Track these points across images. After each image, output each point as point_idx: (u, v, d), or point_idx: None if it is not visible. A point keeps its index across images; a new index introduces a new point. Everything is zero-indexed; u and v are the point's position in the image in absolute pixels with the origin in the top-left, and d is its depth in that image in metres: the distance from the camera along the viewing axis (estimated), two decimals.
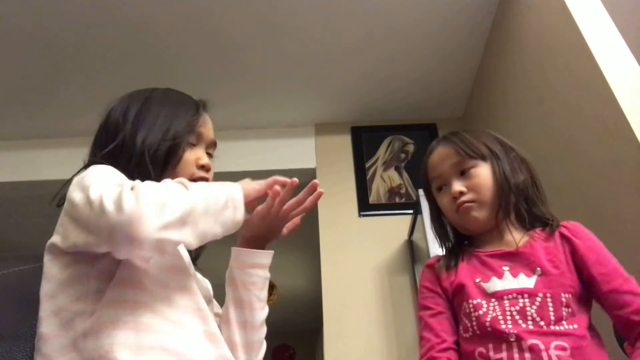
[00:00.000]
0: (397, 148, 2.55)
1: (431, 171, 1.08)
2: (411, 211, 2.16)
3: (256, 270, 0.90)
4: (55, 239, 0.74)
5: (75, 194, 0.71)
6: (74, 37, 2.08)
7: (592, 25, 1.47)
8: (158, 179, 0.78)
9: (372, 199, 2.38)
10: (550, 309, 0.90)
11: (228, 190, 0.79)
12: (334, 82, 2.40)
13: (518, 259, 0.96)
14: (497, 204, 1.00)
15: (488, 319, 0.91)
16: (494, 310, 0.92)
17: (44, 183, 2.53)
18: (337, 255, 2.24)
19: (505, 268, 0.96)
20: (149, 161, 0.84)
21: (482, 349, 0.91)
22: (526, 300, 0.91)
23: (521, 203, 1.01)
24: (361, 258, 2.22)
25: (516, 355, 0.87)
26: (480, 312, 0.93)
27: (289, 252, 3.95)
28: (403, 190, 2.41)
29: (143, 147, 0.85)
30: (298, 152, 2.56)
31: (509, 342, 0.88)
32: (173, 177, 0.84)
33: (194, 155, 0.92)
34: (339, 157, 2.52)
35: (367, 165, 2.49)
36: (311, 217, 2.39)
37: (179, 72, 2.21)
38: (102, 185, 0.68)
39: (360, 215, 2.34)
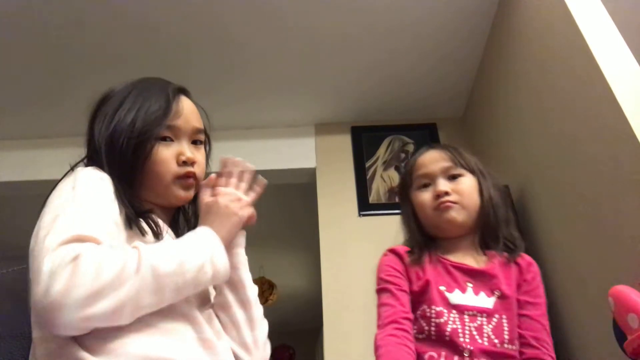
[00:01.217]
0: (397, 148, 2.55)
1: (419, 169, 1.12)
2: None
3: (239, 250, 0.88)
4: None
5: (39, 227, 0.68)
6: (74, 36, 2.08)
7: (592, 24, 1.47)
8: (133, 176, 0.79)
9: (372, 198, 2.38)
10: (505, 329, 0.95)
11: (203, 255, 0.71)
12: (333, 82, 2.40)
13: (480, 278, 1.01)
14: (476, 216, 1.05)
15: (448, 330, 0.95)
16: (454, 322, 0.96)
17: (43, 183, 2.54)
18: (337, 255, 2.24)
19: (469, 285, 1.01)
20: (117, 161, 0.81)
21: (433, 354, 0.94)
22: (484, 319, 0.96)
23: (497, 223, 1.07)
24: (361, 258, 2.22)
25: None
26: (441, 320, 0.96)
27: (289, 252, 3.95)
28: None
29: (110, 145, 0.83)
30: (298, 152, 2.56)
31: (463, 356, 0.92)
32: (151, 176, 0.83)
33: (172, 151, 0.86)
34: (339, 157, 2.52)
35: (367, 165, 2.49)
36: (311, 217, 2.39)
37: (179, 73, 2.19)
38: (52, 241, 0.62)
39: (360, 215, 2.34)
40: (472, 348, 0.91)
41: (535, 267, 1.09)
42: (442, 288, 0.99)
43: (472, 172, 1.09)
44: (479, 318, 0.96)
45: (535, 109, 1.79)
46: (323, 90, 2.45)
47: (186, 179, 0.86)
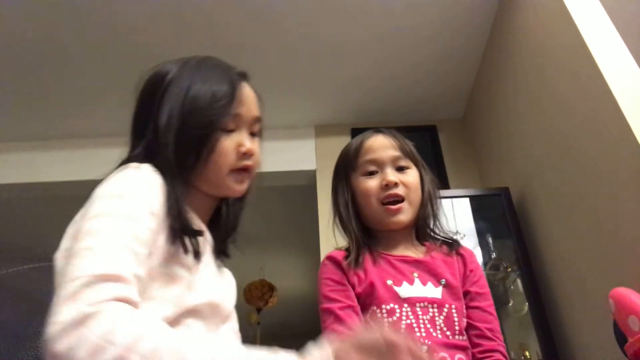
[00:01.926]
0: None
1: (366, 153, 1.06)
2: None
3: None
4: None
5: (78, 231, 0.61)
6: (71, 39, 2.08)
7: (591, 26, 1.47)
8: (194, 170, 0.72)
9: None
10: (455, 319, 0.92)
11: None
12: (333, 84, 2.40)
13: (424, 268, 0.97)
14: (418, 210, 1.02)
15: (403, 326, 0.90)
16: (407, 316, 0.91)
17: (40, 185, 2.54)
18: None
19: (415, 275, 0.97)
20: (183, 154, 0.73)
21: None
22: (435, 310, 0.92)
23: (435, 217, 1.05)
24: None
25: None
26: (394, 317, 0.91)
27: (290, 254, 3.95)
28: None
29: (179, 138, 0.73)
30: (298, 153, 2.56)
31: None
32: (209, 167, 0.76)
33: (233, 142, 0.78)
34: None
35: None
36: (311, 219, 2.38)
37: None
38: (78, 275, 0.55)
39: None
40: (429, 342, 0.88)
41: (476, 258, 1.05)
42: (389, 282, 0.95)
43: (416, 164, 1.05)
44: (431, 309, 0.92)
45: (534, 111, 1.79)
46: (323, 92, 2.46)
47: (242, 172, 0.79)
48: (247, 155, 0.79)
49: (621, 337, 0.97)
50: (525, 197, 1.90)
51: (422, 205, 1.02)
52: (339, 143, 2.56)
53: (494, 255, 1.89)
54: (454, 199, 1.99)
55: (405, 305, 0.92)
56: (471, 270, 1.00)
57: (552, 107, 1.65)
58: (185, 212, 0.71)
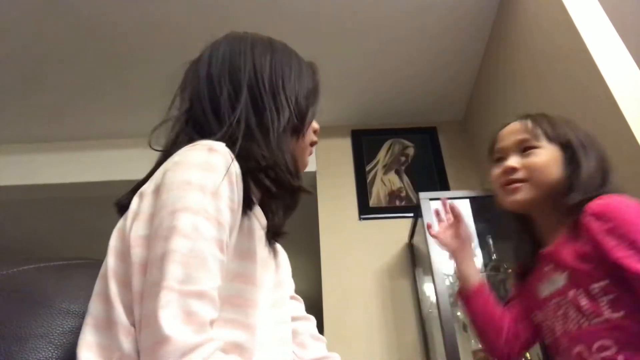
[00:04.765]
0: (398, 151, 2.55)
1: (496, 143, 1.04)
2: (411, 214, 2.16)
3: None
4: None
5: (162, 220, 0.56)
6: (69, 41, 2.09)
7: (591, 28, 1.47)
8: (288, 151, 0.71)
9: (373, 202, 2.38)
10: (583, 303, 0.83)
11: None
12: (334, 86, 2.40)
13: (554, 257, 0.91)
14: (553, 191, 0.92)
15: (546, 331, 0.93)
16: (547, 318, 0.92)
17: (39, 187, 2.55)
18: (338, 259, 2.24)
19: (547, 268, 0.93)
20: (292, 130, 0.73)
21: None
22: (562, 300, 0.87)
23: (579, 198, 0.89)
24: (361, 261, 2.22)
25: None
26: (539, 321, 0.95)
27: (289, 255, 3.93)
28: (403, 194, 2.41)
29: (286, 112, 0.72)
30: None
31: (560, 353, 0.88)
32: (299, 148, 0.79)
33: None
34: (339, 161, 2.52)
35: (368, 168, 2.49)
36: (311, 221, 2.39)
37: (178, 76, 2.21)
38: (175, 283, 0.52)
39: (360, 219, 2.34)
40: (565, 341, 0.86)
41: (604, 213, 0.86)
42: (537, 284, 0.96)
43: (559, 143, 0.95)
44: (555, 300, 0.89)
45: (535, 112, 1.79)
46: (323, 94, 2.42)
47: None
48: (316, 133, 0.88)
49: None
50: None
51: (559, 185, 0.92)
52: (339, 145, 2.59)
53: (494, 256, 1.89)
54: (454, 200, 1.98)
55: (543, 306, 0.95)
56: (599, 242, 0.84)
57: (551, 108, 1.65)
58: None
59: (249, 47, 0.79)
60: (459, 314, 1.86)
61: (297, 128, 0.76)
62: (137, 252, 0.57)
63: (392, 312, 2.10)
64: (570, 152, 0.95)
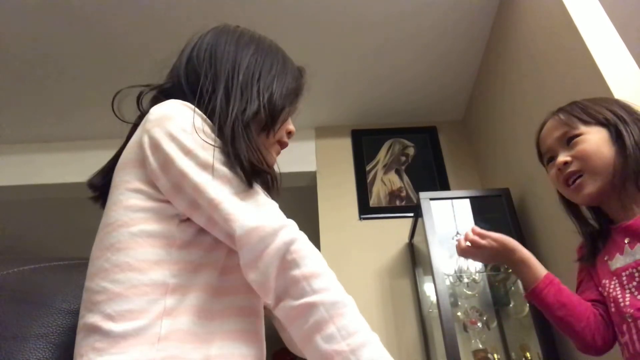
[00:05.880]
0: (398, 151, 2.55)
1: (541, 146, 1.04)
2: (412, 214, 2.16)
3: None
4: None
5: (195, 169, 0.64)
6: (69, 42, 2.09)
7: (592, 28, 1.47)
8: (252, 143, 0.71)
9: (373, 202, 2.38)
10: None
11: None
12: (334, 86, 2.40)
13: (634, 228, 0.89)
14: (613, 170, 0.90)
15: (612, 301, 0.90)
16: (614, 289, 0.90)
17: (39, 187, 2.55)
18: (338, 259, 2.24)
19: (626, 241, 0.91)
20: (265, 118, 0.75)
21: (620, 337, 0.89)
22: (636, 270, 0.86)
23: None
24: (362, 261, 2.22)
25: (635, 337, 0.83)
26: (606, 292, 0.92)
27: None
28: (403, 194, 2.41)
29: (257, 104, 0.74)
30: (298, 155, 2.56)
31: (627, 322, 0.86)
32: (266, 143, 0.80)
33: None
34: (339, 160, 2.52)
35: (368, 168, 2.49)
36: (312, 221, 2.38)
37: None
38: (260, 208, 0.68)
39: (360, 219, 2.34)
40: (631, 311, 0.84)
41: None
42: (605, 258, 0.93)
43: (599, 123, 0.95)
44: (634, 272, 0.86)
45: (535, 112, 1.79)
46: (323, 94, 2.46)
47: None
48: (290, 134, 0.92)
49: None
50: (526, 197, 1.90)
51: (620, 161, 0.90)
52: (339, 144, 2.59)
53: None
54: (454, 200, 1.99)
55: (614, 277, 0.92)
56: None
57: (551, 108, 1.65)
58: None
59: (234, 39, 0.84)
60: (459, 314, 1.86)
61: (267, 124, 0.77)
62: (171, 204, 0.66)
63: (392, 311, 2.10)
64: (613, 128, 0.94)
